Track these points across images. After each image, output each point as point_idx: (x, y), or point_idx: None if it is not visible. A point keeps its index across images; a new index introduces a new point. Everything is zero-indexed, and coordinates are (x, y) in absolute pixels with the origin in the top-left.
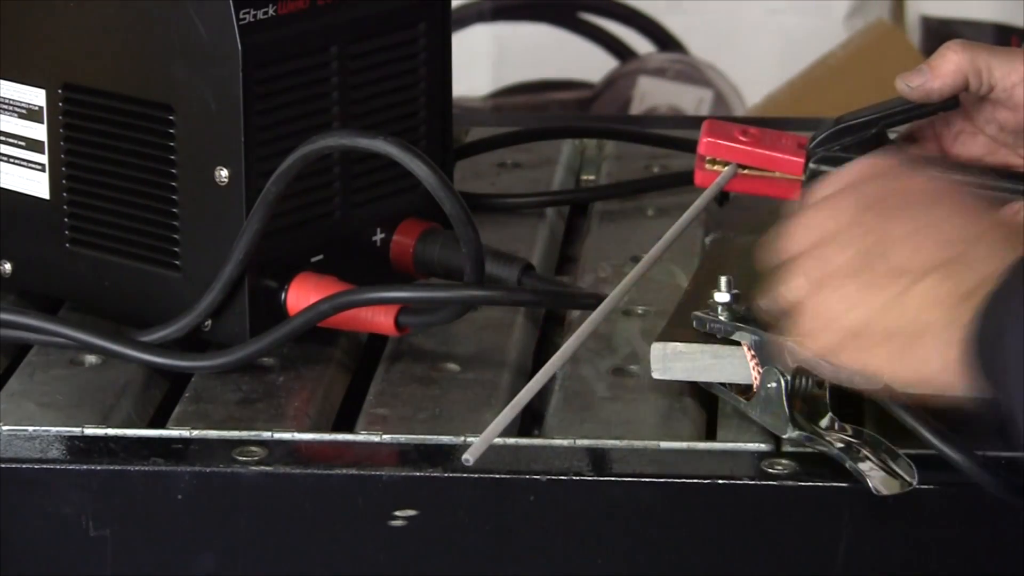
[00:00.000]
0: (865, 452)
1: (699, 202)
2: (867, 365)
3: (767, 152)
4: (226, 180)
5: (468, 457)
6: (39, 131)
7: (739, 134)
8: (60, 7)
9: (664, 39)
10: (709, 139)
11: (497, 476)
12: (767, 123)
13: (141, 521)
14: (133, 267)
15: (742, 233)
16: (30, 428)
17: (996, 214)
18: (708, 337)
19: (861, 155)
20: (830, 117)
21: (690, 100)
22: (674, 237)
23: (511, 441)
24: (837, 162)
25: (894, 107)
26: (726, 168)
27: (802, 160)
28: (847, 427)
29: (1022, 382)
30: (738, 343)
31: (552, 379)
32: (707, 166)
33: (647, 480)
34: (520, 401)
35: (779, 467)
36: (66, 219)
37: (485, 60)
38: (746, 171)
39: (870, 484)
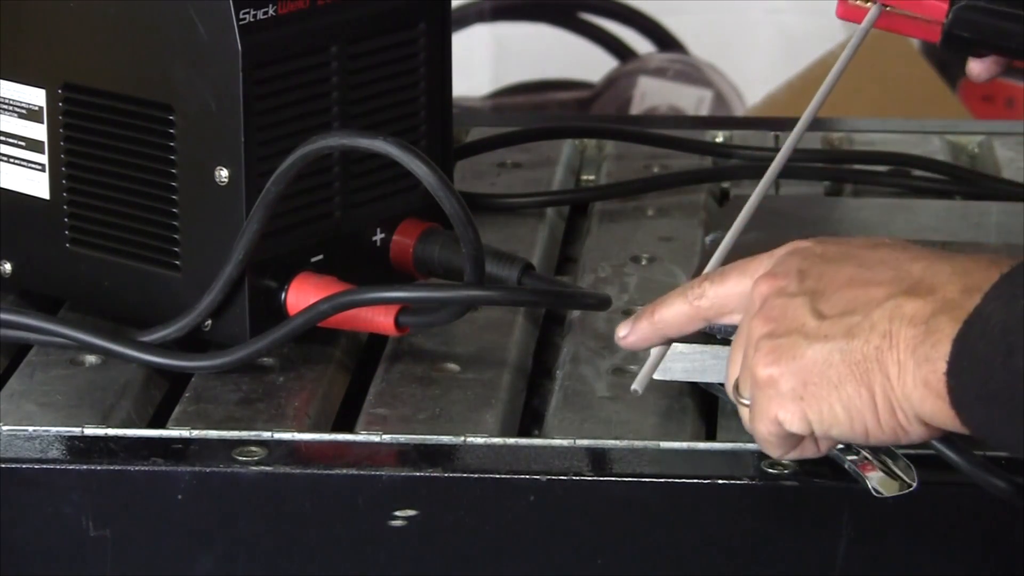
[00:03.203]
0: (865, 453)
1: (853, 41)
2: (822, 419)
3: None
4: (226, 180)
5: (637, 388)
6: (39, 131)
7: None
8: (60, 7)
9: (664, 39)
10: None
11: (497, 476)
12: (767, 122)
13: (141, 521)
14: (133, 267)
15: (742, 233)
16: (30, 428)
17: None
18: (708, 337)
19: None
20: (830, 117)
21: (690, 100)
22: (829, 89)
23: (511, 441)
24: (979, 10)
25: None
26: (872, 7)
27: (945, 5)
28: None
29: None
30: None
31: (552, 379)
32: (850, 0)
33: (647, 480)
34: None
35: (779, 467)
36: (66, 219)
37: (485, 60)
38: (889, 9)
39: (870, 485)
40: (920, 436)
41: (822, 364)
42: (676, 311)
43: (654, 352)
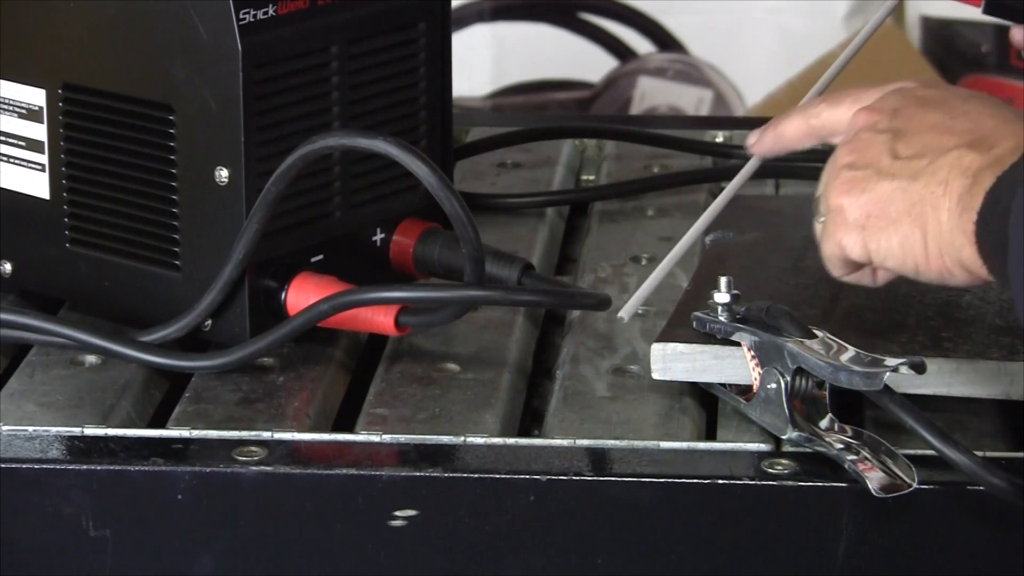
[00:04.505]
0: (865, 453)
1: (883, 12)
2: (879, 250)
3: None
4: (226, 180)
5: (623, 315)
6: (39, 131)
7: None
8: (60, 7)
9: (664, 39)
10: None
11: (497, 476)
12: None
13: (141, 521)
14: (133, 267)
15: (742, 233)
16: (30, 428)
17: None
18: (708, 338)
19: None
20: None
21: (690, 100)
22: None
23: (511, 441)
24: None
25: None
26: None
27: None
28: (847, 428)
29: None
30: (738, 344)
31: (552, 379)
32: None
33: (647, 480)
34: (670, 261)
35: (779, 467)
36: (66, 219)
37: (485, 60)
38: None
39: (870, 485)
40: (963, 281)
41: (885, 200)
42: (795, 127)
43: (645, 284)
